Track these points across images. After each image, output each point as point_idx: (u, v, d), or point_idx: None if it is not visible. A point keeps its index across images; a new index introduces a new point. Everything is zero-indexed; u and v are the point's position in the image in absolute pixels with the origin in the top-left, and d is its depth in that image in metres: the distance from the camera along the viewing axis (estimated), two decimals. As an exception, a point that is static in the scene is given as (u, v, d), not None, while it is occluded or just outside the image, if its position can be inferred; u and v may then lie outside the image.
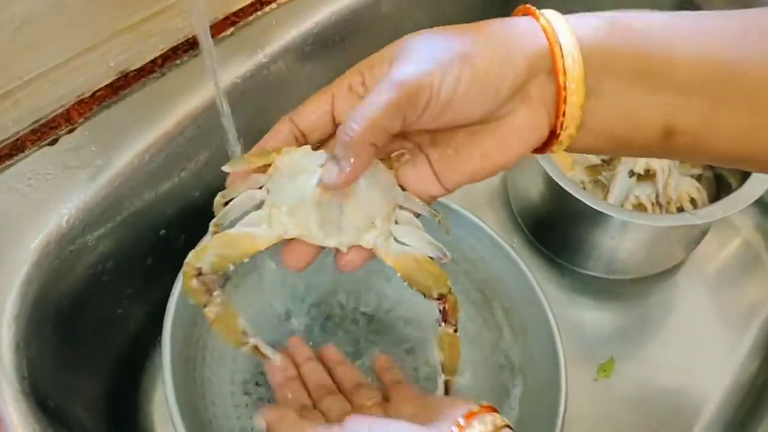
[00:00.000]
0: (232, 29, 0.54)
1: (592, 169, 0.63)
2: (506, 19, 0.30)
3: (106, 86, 0.50)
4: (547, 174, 0.57)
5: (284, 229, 0.33)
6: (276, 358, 0.38)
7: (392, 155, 0.33)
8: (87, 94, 0.50)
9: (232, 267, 0.33)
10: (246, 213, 0.34)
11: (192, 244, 0.49)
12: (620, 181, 0.61)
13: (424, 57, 0.29)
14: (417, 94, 0.28)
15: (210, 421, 0.53)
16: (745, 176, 0.56)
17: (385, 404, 0.42)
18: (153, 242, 0.54)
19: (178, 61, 0.52)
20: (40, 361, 0.44)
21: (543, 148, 0.31)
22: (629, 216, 0.56)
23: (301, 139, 0.33)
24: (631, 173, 0.61)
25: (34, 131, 0.48)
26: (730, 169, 0.63)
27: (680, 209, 0.62)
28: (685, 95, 0.28)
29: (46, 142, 0.48)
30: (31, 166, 0.47)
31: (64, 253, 0.46)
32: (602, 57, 0.29)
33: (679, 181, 0.62)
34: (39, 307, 0.45)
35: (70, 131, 0.49)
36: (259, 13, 0.55)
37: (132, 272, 0.53)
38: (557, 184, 0.57)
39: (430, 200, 0.34)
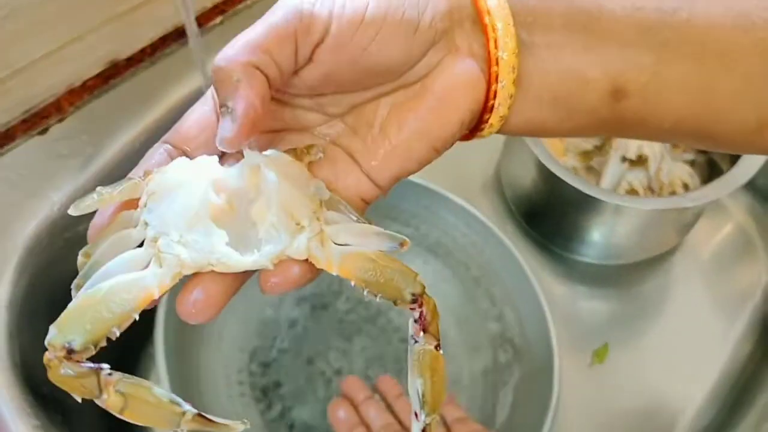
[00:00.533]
0: (220, 18, 0.54)
1: (585, 155, 0.63)
2: None
3: (96, 75, 0.50)
4: (539, 160, 0.57)
5: (181, 263, 0.24)
6: (228, 424, 0.26)
7: (299, 148, 0.26)
8: (77, 84, 0.50)
9: (117, 332, 0.24)
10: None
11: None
12: (612, 167, 0.61)
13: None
14: (312, 16, 0.23)
15: (204, 407, 0.53)
16: (735, 160, 0.56)
17: None
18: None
19: (167, 50, 0.52)
20: (32, 349, 0.44)
21: (483, 117, 0.26)
22: (621, 200, 0.56)
23: None
24: (624, 159, 0.61)
25: (24, 121, 0.48)
26: (721, 153, 0.64)
27: (673, 194, 0.62)
28: (627, 48, 0.25)
29: (36, 131, 0.48)
30: (22, 155, 0.47)
31: (57, 242, 0.46)
32: (529, 5, 0.25)
33: (671, 167, 0.62)
34: (31, 296, 0.45)
35: (61, 120, 0.49)
36: (248, 1, 0.55)
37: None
38: (549, 170, 0.57)
39: (363, 206, 0.27)
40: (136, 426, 0.56)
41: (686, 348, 0.62)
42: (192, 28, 0.34)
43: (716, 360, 0.61)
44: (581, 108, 0.26)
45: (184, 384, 0.51)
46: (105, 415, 0.53)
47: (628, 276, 0.65)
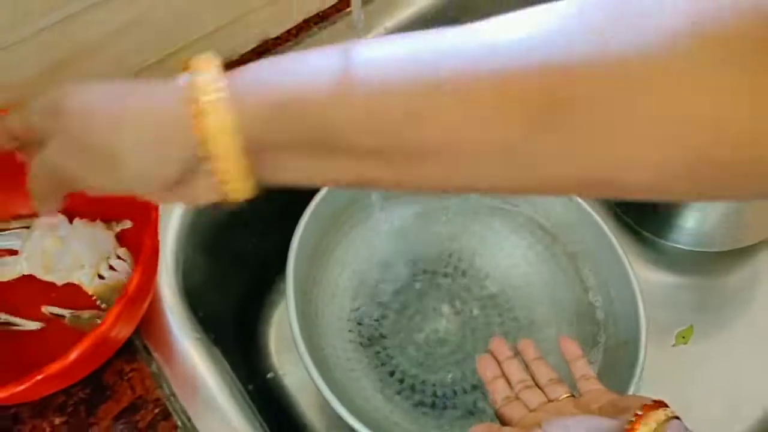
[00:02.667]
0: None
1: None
2: (155, 100, 0.28)
3: (251, 51, 0.58)
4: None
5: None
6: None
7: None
8: (234, 57, 0.58)
9: None
10: None
11: (311, 193, 0.57)
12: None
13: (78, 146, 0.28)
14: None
15: (321, 348, 0.60)
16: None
17: (576, 399, 0.47)
18: (280, 188, 0.62)
19: (310, 32, 0.60)
20: (191, 279, 0.52)
21: None
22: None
23: None
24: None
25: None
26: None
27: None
28: (364, 160, 0.26)
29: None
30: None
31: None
32: (272, 137, 0.27)
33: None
34: (193, 235, 0.53)
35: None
36: (381, -9, 0.62)
37: (262, 213, 0.61)
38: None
39: None
40: (259, 342, 0.64)
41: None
42: (357, 10, 0.40)
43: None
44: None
45: (307, 322, 0.58)
46: (239, 332, 0.61)
47: (717, 264, 0.68)
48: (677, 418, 0.39)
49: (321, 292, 0.62)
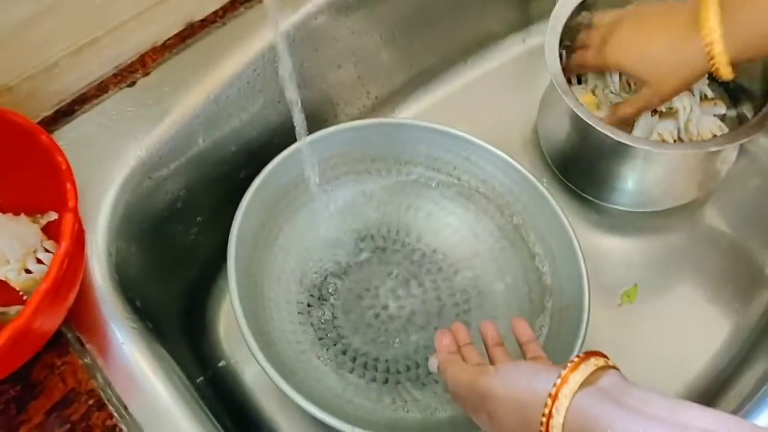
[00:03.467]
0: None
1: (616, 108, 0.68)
2: (679, 34, 0.55)
3: (175, 35, 0.57)
4: (573, 113, 0.62)
5: None
6: None
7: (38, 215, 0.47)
8: (159, 42, 0.57)
9: None
10: None
11: (250, 178, 0.57)
12: (643, 119, 0.65)
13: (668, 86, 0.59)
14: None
15: (270, 333, 0.60)
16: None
17: None
18: (218, 177, 0.61)
19: (236, 13, 0.59)
20: (126, 269, 0.51)
21: None
22: (651, 146, 0.60)
23: None
24: (654, 111, 0.65)
25: (115, 75, 0.55)
26: (751, 107, 0.67)
27: (701, 145, 0.66)
28: None
29: (126, 84, 0.55)
30: (114, 104, 0.54)
31: (144, 179, 0.54)
32: (759, 50, 0.54)
33: (700, 119, 0.65)
34: (125, 224, 0.52)
35: (146, 74, 0.56)
36: (307, -33, 0.61)
37: (201, 203, 0.61)
38: (583, 121, 0.61)
39: None
40: (208, 332, 0.64)
41: (714, 292, 0.66)
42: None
43: (743, 304, 0.65)
44: None
45: (253, 308, 0.58)
46: (186, 323, 0.60)
47: (658, 223, 0.69)
48: (615, 368, 0.40)
49: (267, 277, 0.62)
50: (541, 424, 0.36)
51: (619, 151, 0.63)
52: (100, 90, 0.54)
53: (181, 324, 0.60)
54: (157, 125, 0.54)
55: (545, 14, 0.80)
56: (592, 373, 0.38)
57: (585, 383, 0.37)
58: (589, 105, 0.67)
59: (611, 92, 0.67)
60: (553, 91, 0.66)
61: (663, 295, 0.66)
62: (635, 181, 0.66)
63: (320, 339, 0.62)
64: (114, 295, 0.48)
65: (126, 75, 0.55)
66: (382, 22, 0.68)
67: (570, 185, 0.71)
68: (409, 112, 0.76)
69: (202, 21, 0.58)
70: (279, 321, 0.61)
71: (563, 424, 0.36)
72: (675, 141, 0.65)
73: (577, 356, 0.39)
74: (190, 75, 0.56)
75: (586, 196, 0.70)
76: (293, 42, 0.60)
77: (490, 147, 0.65)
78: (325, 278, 0.65)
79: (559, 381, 0.37)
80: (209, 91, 0.56)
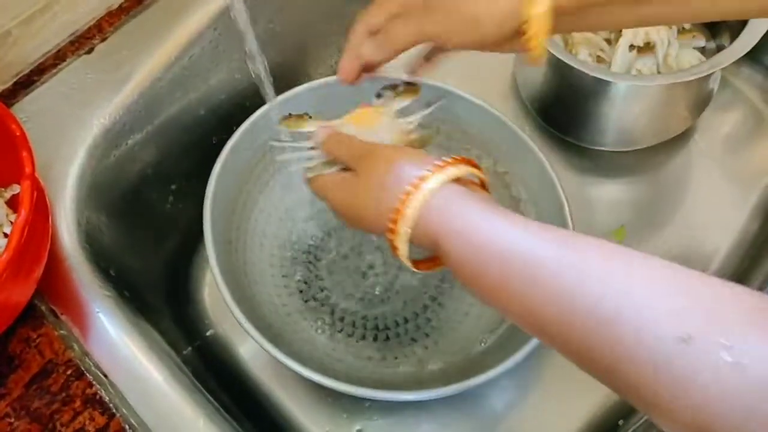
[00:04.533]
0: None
1: (594, 46, 0.66)
2: None
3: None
4: (551, 54, 0.60)
5: None
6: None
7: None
8: (114, 6, 0.55)
9: None
10: None
11: (222, 144, 0.55)
12: (621, 55, 0.63)
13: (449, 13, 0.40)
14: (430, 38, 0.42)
15: (255, 297, 0.59)
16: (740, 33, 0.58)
17: None
18: (189, 142, 0.60)
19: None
20: (97, 239, 0.50)
21: None
22: (630, 80, 0.59)
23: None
24: (632, 47, 0.63)
25: (72, 42, 0.53)
26: (730, 38, 0.65)
27: (682, 78, 0.64)
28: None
29: (83, 51, 0.53)
30: (73, 73, 0.53)
31: (110, 147, 0.52)
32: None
33: (679, 52, 0.64)
34: (94, 194, 0.51)
35: (103, 40, 0.54)
36: None
37: (173, 170, 0.59)
38: (561, 61, 0.60)
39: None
40: (193, 302, 0.63)
41: (701, 224, 0.65)
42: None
43: (729, 234, 0.64)
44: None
45: (235, 275, 0.57)
46: (169, 294, 0.59)
47: (643, 161, 0.68)
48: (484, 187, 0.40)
49: (248, 242, 0.61)
50: (395, 211, 0.36)
51: (599, 89, 0.61)
52: (57, 59, 0.53)
53: (163, 294, 0.59)
54: (119, 92, 0.52)
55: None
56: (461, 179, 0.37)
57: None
58: (566, 45, 0.66)
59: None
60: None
61: (651, 235, 0.65)
62: (617, 120, 0.65)
63: (306, 301, 0.61)
64: (85, 264, 0.47)
65: (83, 42, 0.54)
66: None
67: (552, 130, 0.69)
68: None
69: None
70: (263, 285, 0.60)
71: (417, 217, 0.35)
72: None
73: (451, 158, 0.38)
74: (150, 38, 0.54)
75: (568, 139, 0.69)
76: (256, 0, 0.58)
77: (468, 95, 0.63)
78: (308, 240, 0.64)
79: (427, 173, 0.36)
80: (170, 54, 0.54)
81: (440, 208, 0.35)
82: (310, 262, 0.63)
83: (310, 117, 0.48)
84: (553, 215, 0.59)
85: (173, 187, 0.60)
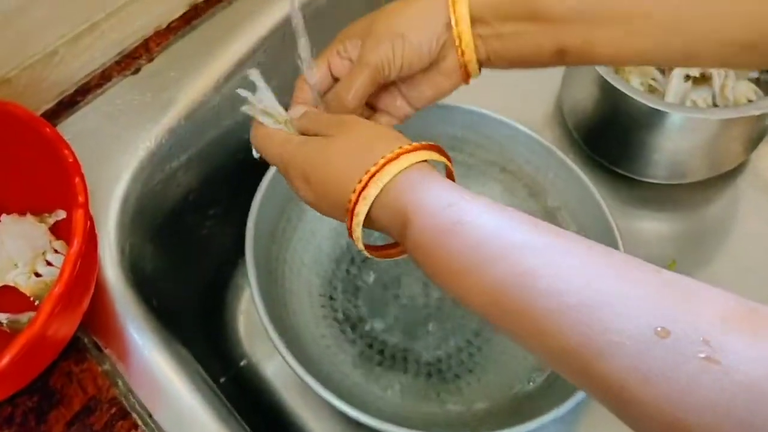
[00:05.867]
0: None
1: (646, 74, 0.64)
2: None
3: (179, 17, 0.54)
4: (602, 80, 0.59)
5: None
6: None
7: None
8: (163, 26, 0.53)
9: None
10: None
11: (264, 169, 0.53)
12: (675, 85, 0.61)
13: (375, 35, 0.40)
14: (379, 72, 0.40)
15: (293, 327, 0.57)
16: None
17: None
18: (232, 167, 0.58)
19: (244, -10, 0.56)
20: (140, 267, 0.48)
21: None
22: (688, 112, 0.57)
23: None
24: (687, 77, 0.61)
25: (118, 62, 0.52)
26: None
27: (737, 111, 0.62)
28: (568, 24, 0.37)
29: (130, 71, 0.52)
30: (119, 93, 0.51)
31: (156, 170, 0.50)
32: (500, 12, 0.38)
33: (735, 84, 0.62)
34: (137, 219, 0.49)
35: (150, 60, 0.52)
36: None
37: (214, 195, 0.57)
38: (613, 88, 0.58)
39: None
40: (228, 330, 0.61)
41: (754, 263, 0.63)
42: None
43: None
44: (534, 63, 0.40)
45: (274, 304, 0.55)
46: (205, 322, 0.57)
47: (694, 195, 0.66)
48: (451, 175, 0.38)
49: (287, 271, 0.59)
50: (354, 191, 0.34)
51: (653, 119, 0.59)
52: (103, 78, 0.51)
53: (199, 323, 0.57)
54: (165, 114, 0.50)
55: None
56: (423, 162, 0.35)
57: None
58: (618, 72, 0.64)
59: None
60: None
61: (703, 271, 0.63)
62: (669, 152, 0.62)
63: (344, 332, 0.59)
64: (129, 295, 0.45)
65: (130, 61, 0.52)
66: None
67: (598, 159, 0.67)
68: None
69: (206, 1, 0.55)
70: (302, 315, 0.58)
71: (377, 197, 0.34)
72: (709, 107, 0.62)
73: (422, 143, 0.36)
74: (197, 59, 0.53)
75: (615, 169, 0.67)
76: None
77: (512, 122, 0.62)
78: (348, 268, 0.62)
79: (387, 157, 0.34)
80: (218, 76, 0.53)
81: (410, 183, 0.34)
82: (348, 292, 0.61)
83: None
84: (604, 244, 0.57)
85: (211, 212, 0.58)
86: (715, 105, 0.62)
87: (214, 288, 0.60)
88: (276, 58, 0.56)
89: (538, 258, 0.29)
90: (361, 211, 0.34)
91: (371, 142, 0.36)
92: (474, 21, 0.39)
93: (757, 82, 0.65)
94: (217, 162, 0.56)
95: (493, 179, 0.64)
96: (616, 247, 0.56)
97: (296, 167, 0.37)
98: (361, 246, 0.37)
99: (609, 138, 0.65)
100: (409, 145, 0.35)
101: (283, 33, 0.55)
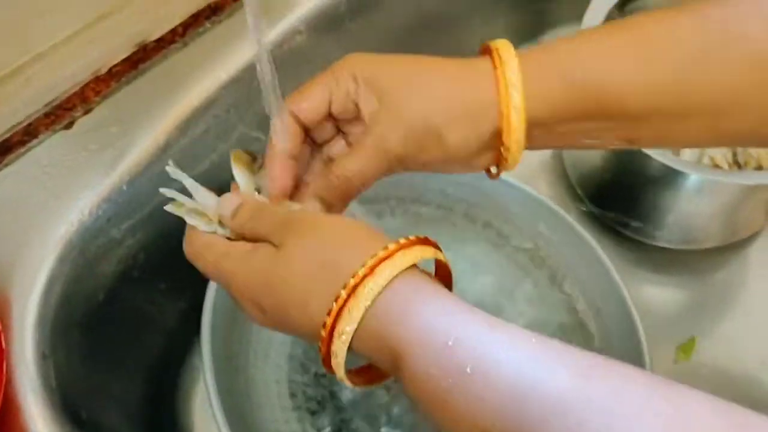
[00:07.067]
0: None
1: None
2: (468, 78, 0.32)
3: (124, 60, 0.45)
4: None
5: None
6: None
7: None
8: (103, 70, 0.45)
9: None
10: None
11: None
12: (693, 141, 0.55)
13: (407, 123, 0.31)
14: (400, 163, 0.32)
15: (257, 425, 0.48)
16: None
17: None
18: (184, 232, 0.49)
19: (200, 29, 0.47)
20: (69, 368, 0.39)
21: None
22: (708, 174, 0.50)
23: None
24: (705, 131, 0.55)
25: (47, 114, 0.43)
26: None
27: (758, 169, 0.56)
28: (642, 121, 0.31)
29: (61, 125, 0.43)
30: (47, 152, 0.42)
31: (89, 247, 0.42)
32: (561, 113, 0.31)
33: (757, 138, 0.56)
34: (65, 310, 0.40)
35: (87, 112, 0.44)
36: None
37: (165, 266, 0.48)
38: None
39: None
40: (170, 422, 0.51)
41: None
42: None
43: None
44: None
45: (235, 397, 0.46)
46: (158, 422, 0.48)
47: (709, 262, 0.60)
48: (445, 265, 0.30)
49: (251, 355, 0.50)
50: (324, 326, 0.27)
51: (668, 178, 0.53)
52: (27, 135, 0.42)
53: (143, 418, 0.47)
54: (103, 177, 0.42)
55: (561, 21, 0.70)
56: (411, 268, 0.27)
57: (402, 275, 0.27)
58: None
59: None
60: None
61: (725, 347, 0.56)
62: (684, 215, 0.56)
63: (319, 426, 0.51)
64: (51, 411, 0.36)
65: (61, 113, 0.43)
66: (375, 37, 0.57)
67: (603, 218, 0.60)
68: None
69: (157, 41, 0.46)
70: (269, 409, 0.50)
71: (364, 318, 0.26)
72: (730, 165, 0.56)
73: (402, 240, 0.28)
74: (144, 110, 0.44)
75: (622, 231, 0.60)
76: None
77: (512, 180, 0.54)
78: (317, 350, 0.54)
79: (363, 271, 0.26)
80: (168, 130, 0.44)
81: (396, 308, 0.26)
82: (323, 377, 0.53)
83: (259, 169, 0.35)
84: (619, 328, 0.50)
85: (162, 286, 0.49)
86: (736, 162, 0.55)
87: (162, 383, 0.51)
88: (239, 108, 0.48)
89: (589, 416, 0.23)
90: (338, 351, 0.27)
91: (335, 252, 0.28)
92: (529, 125, 0.31)
93: (776, 135, 0.58)
94: (166, 228, 0.47)
95: (488, 243, 0.57)
96: (630, 321, 0.49)
97: (241, 289, 0.30)
98: (342, 376, 0.28)
99: (617, 197, 0.59)
100: (385, 249, 0.27)
101: (249, 79, 0.47)
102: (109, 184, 0.42)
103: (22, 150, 0.42)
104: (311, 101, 0.33)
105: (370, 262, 0.26)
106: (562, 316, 0.53)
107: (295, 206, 0.33)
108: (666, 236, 0.58)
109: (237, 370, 0.48)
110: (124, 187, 0.42)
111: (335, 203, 0.33)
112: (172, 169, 0.35)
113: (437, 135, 0.31)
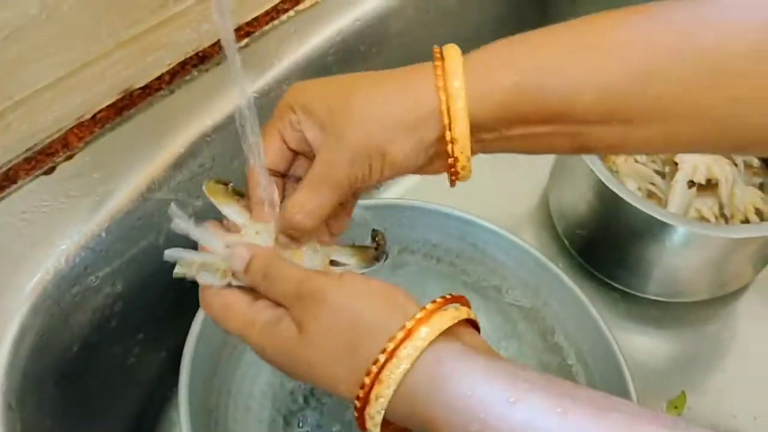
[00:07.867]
0: (246, 40, 0.49)
1: (644, 179, 0.58)
2: (406, 90, 0.31)
3: (108, 106, 0.45)
4: (597, 183, 0.52)
5: None
6: None
7: None
8: (87, 116, 0.44)
9: None
10: None
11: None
12: (679, 192, 0.55)
13: (350, 145, 0.30)
14: (350, 187, 0.31)
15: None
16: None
17: None
18: (166, 281, 0.48)
19: (187, 77, 0.47)
20: (38, 424, 0.38)
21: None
22: (695, 227, 0.50)
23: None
24: (691, 183, 0.55)
25: (27, 159, 0.42)
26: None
27: (744, 222, 0.56)
28: (592, 125, 0.30)
29: (41, 171, 0.42)
30: (26, 198, 0.41)
31: (65, 296, 0.40)
32: (508, 117, 0.30)
33: (743, 191, 0.56)
34: (36, 361, 0.38)
35: (69, 158, 0.43)
36: (275, 21, 0.50)
37: (143, 316, 0.48)
38: (611, 193, 0.51)
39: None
40: None
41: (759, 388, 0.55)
42: (229, 37, 0.28)
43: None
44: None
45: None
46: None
47: (697, 315, 0.59)
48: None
49: (231, 406, 0.49)
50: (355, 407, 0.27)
51: (655, 231, 0.53)
52: (6, 180, 0.42)
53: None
54: (82, 225, 0.41)
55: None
56: (450, 328, 0.28)
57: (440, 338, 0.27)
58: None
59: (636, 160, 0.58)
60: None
61: (716, 402, 0.55)
62: (670, 267, 0.55)
63: (301, 482, 0.49)
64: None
65: (42, 159, 0.43)
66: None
67: (589, 269, 0.60)
68: (396, 190, 0.65)
69: (143, 88, 0.46)
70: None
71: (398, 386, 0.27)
72: (717, 218, 0.56)
73: (437, 300, 0.28)
74: (128, 156, 0.44)
75: (609, 281, 0.59)
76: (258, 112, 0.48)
77: (498, 228, 0.54)
78: (308, 402, 0.52)
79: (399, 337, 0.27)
80: (152, 177, 0.44)
81: (428, 383, 0.27)
82: (306, 422, 0.51)
83: (239, 195, 0.35)
84: (609, 382, 0.49)
85: (141, 336, 0.48)
86: (722, 215, 0.55)
87: (141, 430, 0.49)
88: (224, 157, 0.47)
89: None
90: (372, 429, 0.28)
91: (354, 336, 0.28)
92: (475, 130, 0.30)
93: (761, 186, 0.59)
94: (146, 276, 0.46)
95: (476, 293, 0.56)
96: (621, 377, 0.48)
97: (270, 360, 0.31)
98: None
99: (604, 247, 0.58)
100: (402, 328, 0.27)
101: (235, 128, 0.46)
102: (87, 231, 0.41)
103: (0, 195, 0.41)
104: (270, 151, 0.33)
105: (390, 346, 0.27)
106: (551, 368, 0.52)
107: (299, 255, 0.33)
108: (654, 289, 0.57)
109: (217, 423, 0.47)
110: (103, 234, 0.41)
111: (304, 235, 0.33)
112: (176, 217, 0.35)
113: (382, 153, 0.30)
